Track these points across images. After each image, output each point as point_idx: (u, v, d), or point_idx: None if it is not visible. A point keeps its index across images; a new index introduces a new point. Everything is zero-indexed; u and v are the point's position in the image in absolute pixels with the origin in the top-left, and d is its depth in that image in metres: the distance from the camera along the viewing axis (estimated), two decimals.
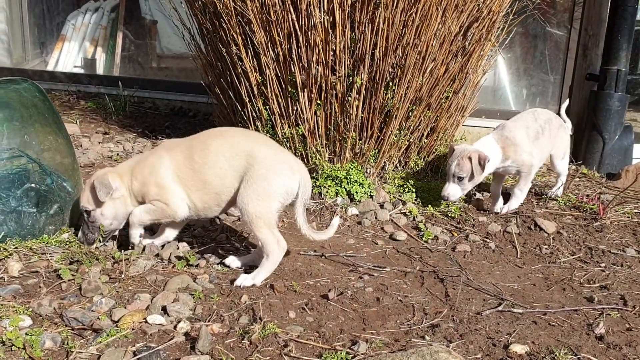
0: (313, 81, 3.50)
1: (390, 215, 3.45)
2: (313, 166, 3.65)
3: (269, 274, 2.55)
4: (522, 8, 4.20)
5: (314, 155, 3.63)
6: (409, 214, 3.48)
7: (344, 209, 3.46)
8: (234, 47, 3.64)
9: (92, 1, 6.89)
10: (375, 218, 3.41)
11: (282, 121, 3.66)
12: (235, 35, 3.60)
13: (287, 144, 3.67)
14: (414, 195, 3.65)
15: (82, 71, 6.70)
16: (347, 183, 3.57)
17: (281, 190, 2.52)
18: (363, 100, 3.55)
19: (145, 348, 2.00)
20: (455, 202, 3.51)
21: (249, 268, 2.67)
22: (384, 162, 3.79)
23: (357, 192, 3.55)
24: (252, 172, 2.51)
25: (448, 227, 3.38)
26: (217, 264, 2.72)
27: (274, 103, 3.62)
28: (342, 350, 2.06)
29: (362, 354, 2.06)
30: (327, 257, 2.91)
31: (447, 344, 2.16)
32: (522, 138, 3.49)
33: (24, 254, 2.61)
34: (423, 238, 3.22)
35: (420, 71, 3.60)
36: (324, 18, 3.38)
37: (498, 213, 3.53)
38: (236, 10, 3.53)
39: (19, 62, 6.96)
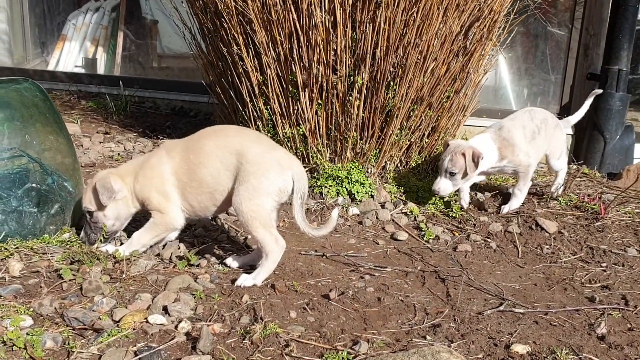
0: (314, 81, 3.50)
1: (391, 215, 3.45)
2: (314, 166, 3.65)
3: (270, 273, 2.55)
4: (523, 7, 4.19)
5: (315, 155, 3.63)
6: (410, 213, 3.48)
7: (345, 209, 3.46)
8: (235, 47, 3.64)
9: (93, 1, 6.89)
10: (376, 218, 3.41)
11: (283, 121, 3.66)
12: (236, 35, 3.59)
13: (288, 144, 3.66)
14: (415, 195, 3.65)
15: (82, 71, 6.70)
16: (348, 183, 3.56)
17: (272, 187, 2.48)
18: (364, 100, 3.55)
19: (146, 348, 2.00)
20: (445, 197, 3.49)
21: (250, 268, 2.67)
22: (385, 161, 3.78)
23: (358, 192, 3.54)
24: (243, 170, 2.49)
25: (449, 227, 3.38)
26: (218, 263, 2.72)
27: (275, 103, 3.62)
28: (343, 350, 2.06)
29: (363, 354, 2.06)
30: (328, 257, 2.91)
31: (449, 344, 2.16)
32: (520, 138, 3.49)
33: (25, 254, 2.61)
34: (424, 238, 3.22)
35: (422, 71, 3.59)
36: (325, 17, 3.38)
37: (462, 208, 3.51)
38: (237, 9, 3.53)
39: (19, 61, 6.97)
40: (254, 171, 2.47)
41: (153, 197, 2.64)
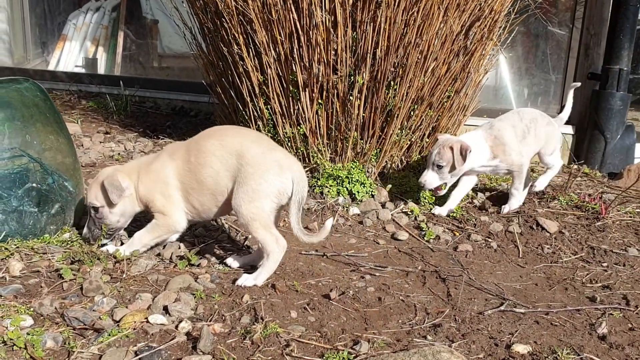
0: (314, 80, 3.50)
1: (391, 214, 3.45)
2: (314, 166, 3.64)
3: (271, 273, 2.54)
4: (523, 7, 4.19)
5: (315, 155, 3.63)
6: (410, 213, 3.48)
7: (345, 209, 3.46)
8: (236, 47, 3.64)
9: (93, 1, 6.90)
10: (377, 217, 3.41)
11: (284, 120, 3.65)
12: (236, 35, 3.59)
13: (289, 144, 3.66)
14: (416, 194, 3.65)
15: (83, 71, 6.70)
16: (349, 182, 3.56)
17: (271, 189, 2.46)
18: (364, 100, 3.55)
19: (146, 348, 2.00)
20: (430, 190, 3.47)
21: (250, 268, 2.67)
22: (386, 161, 3.78)
23: (358, 192, 3.54)
24: (242, 172, 2.48)
25: (450, 227, 3.37)
26: (219, 263, 2.72)
27: (275, 102, 3.62)
28: (344, 350, 2.06)
29: (364, 353, 2.05)
30: (329, 257, 2.90)
31: (449, 344, 2.16)
32: (511, 137, 3.48)
33: (25, 254, 2.60)
34: (425, 238, 3.22)
35: (422, 70, 3.59)
36: (325, 17, 3.37)
37: (447, 216, 3.48)
38: (237, 9, 3.52)
39: (20, 61, 6.97)
40: (252, 172, 2.46)
41: (157, 200, 2.64)
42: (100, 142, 4.55)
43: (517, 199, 3.55)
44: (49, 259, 2.58)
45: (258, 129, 3.70)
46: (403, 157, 3.88)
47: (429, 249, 3.12)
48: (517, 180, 3.52)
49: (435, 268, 2.86)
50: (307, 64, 3.48)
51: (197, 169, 2.56)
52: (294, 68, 3.50)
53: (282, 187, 2.48)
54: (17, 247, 2.63)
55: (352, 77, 3.52)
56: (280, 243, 2.51)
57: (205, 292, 2.41)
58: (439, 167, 3.33)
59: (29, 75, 5.65)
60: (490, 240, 3.23)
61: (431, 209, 3.52)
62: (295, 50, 3.47)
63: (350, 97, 3.53)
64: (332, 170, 3.58)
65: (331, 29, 3.41)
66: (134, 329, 2.12)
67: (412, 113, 3.71)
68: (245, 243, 2.99)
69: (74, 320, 2.13)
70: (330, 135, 3.65)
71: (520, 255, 3.10)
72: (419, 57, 3.54)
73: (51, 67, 6.76)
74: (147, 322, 2.16)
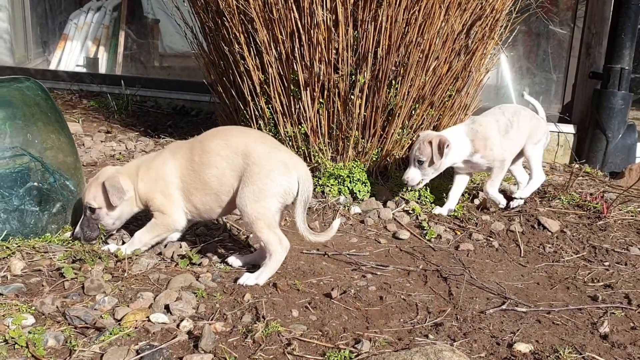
0: (316, 79, 3.49)
1: (393, 213, 3.44)
2: (315, 165, 3.64)
3: (273, 273, 2.54)
4: (525, 6, 4.18)
5: (316, 154, 3.63)
6: (411, 212, 3.48)
7: (346, 208, 3.46)
8: (237, 46, 3.63)
9: (94, 0, 6.90)
10: (378, 217, 3.41)
11: (285, 120, 3.65)
12: (237, 34, 3.59)
13: (290, 143, 3.66)
14: (417, 193, 3.64)
15: (84, 70, 6.71)
16: (350, 182, 3.56)
17: (277, 189, 2.46)
18: (366, 99, 3.55)
19: (148, 346, 2.00)
20: (414, 187, 3.44)
21: (252, 267, 2.67)
22: (387, 160, 3.78)
23: (359, 191, 3.54)
24: (248, 171, 2.47)
25: (451, 226, 3.37)
26: (220, 262, 2.72)
27: (276, 101, 3.61)
28: (345, 349, 2.06)
29: (365, 352, 2.05)
30: (330, 256, 2.90)
31: (451, 343, 2.15)
32: (493, 132, 3.46)
33: (26, 253, 2.61)
34: (426, 237, 3.21)
35: (423, 69, 3.59)
36: (326, 16, 3.37)
37: (448, 215, 3.47)
38: (238, 8, 3.52)
39: (21, 61, 6.98)
40: (258, 172, 2.45)
41: (157, 199, 2.64)
42: (102, 142, 4.55)
43: (493, 196, 3.49)
44: (51, 258, 2.58)
45: (259, 128, 3.70)
46: (404, 156, 3.87)
47: (431, 248, 3.12)
48: (495, 177, 3.48)
49: (436, 267, 2.86)
50: (308, 63, 3.48)
51: (201, 169, 2.55)
52: (295, 67, 3.50)
53: (288, 187, 2.48)
54: (19, 246, 2.63)
55: (353, 76, 3.52)
56: (283, 244, 2.51)
57: (206, 291, 2.41)
58: (420, 162, 3.34)
59: (30, 74, 5.65)
60: (491, 239, 3.23)
61: (432, 209, 3.52)
62: (296, 49, 3.47)
63: (352, 96, 3.52)
64: (333, 170, 3.58)
65: (332, 28, 3.41)
66: (136, 327, 2.12)
67: (413, 112, 3.71)
68: (247, 242, 2.98)
69: (76, 319, 2.13)
70: (331, 135, 3.64)
71: (522, 255, 3.09)
72: (420, 56, 3.54)
73: (52, 67, 6.76)
74: (149, 321, 2.16)
